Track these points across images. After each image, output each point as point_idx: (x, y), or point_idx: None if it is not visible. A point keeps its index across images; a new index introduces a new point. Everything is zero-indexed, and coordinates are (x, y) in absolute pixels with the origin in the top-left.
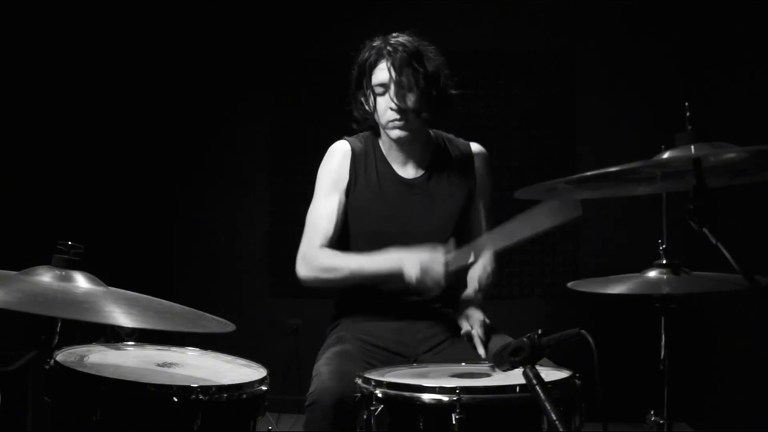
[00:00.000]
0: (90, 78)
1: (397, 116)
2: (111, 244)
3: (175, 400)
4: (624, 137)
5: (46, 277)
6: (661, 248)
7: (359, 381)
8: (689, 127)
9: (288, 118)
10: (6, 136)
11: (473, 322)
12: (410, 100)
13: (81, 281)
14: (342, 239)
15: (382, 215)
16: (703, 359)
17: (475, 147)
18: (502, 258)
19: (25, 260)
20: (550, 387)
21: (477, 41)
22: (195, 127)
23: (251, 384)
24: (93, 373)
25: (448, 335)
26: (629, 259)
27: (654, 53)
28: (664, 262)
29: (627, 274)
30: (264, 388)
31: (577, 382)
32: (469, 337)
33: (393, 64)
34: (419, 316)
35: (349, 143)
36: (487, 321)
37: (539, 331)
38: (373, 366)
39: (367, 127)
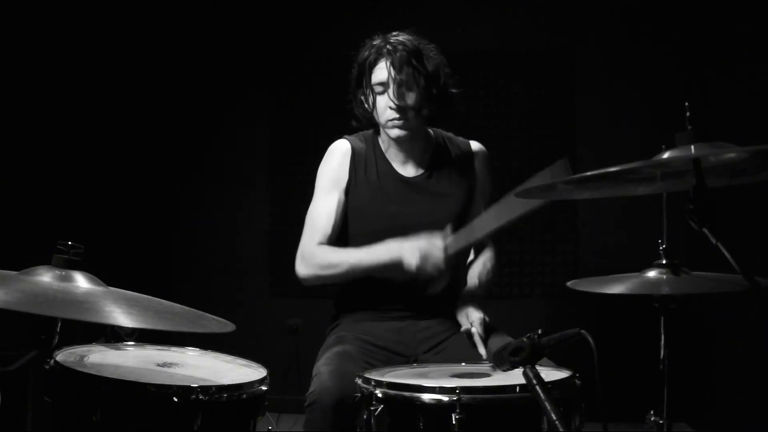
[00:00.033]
0: (90, 78)
1: (397, 115)
2: (111, 244)
3: (175, 400)
4: (624, 137)
5: (46, 277)
6: (660, 248)
7: (359, 381)
8: (689, 127)
9: (288, 118)
10: (6, 136)
11: (473, 320)
12: (410, 99)
13: (81, 281)
14: (342, 238)
15: (383, 214)
16: (703, 359)
17: (475, 145)
18: (501, 256)
19: (25, 260)
20: (550, 387)
21: (477, 41)
22: (195, 127)
23: (251, 384)
24: (93, 373)
25: (449, 335)
26: (629, 259)
27: (654, 53)
28: (664, 262)
29: (627, 274)
30: (264, 388)
31: (577, 382)
32: (468, 334)
33: (393, 63)
34: (419, 315)
35: (350, 142)
36: (487, 319)
37: (539, 331)
38: (373, 366)
39: (367, 125)
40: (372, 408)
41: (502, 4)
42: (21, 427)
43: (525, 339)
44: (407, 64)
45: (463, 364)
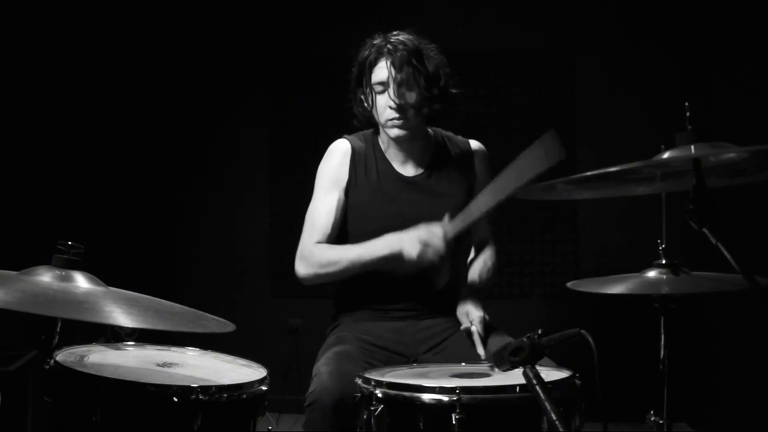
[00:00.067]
0: (90, 78)
1: (396, 115)
2: (111, 244)
3: (175, 400)
4: (624, 137)
5: (46, 277)
6: (660, 248)
7: (359, 381)
8: (689, 127)
9: (288, 118)
10: (6, 136)
11: (473, 319)
12: (410, 98)
13: (81, 281)
14: (342, 238)
15: (383, 214)
16: (703, 359)
17: (475, 144)
18: (501, 256)
19: (25, 260)
20: (550, 387)
21: (477, 41)
22: (195, 127)
23: (251, 384)
24: (93, 373)
25: (449, 335)
26: (629, 259)
27: (654, 53)
28: (664, 262)
29: (627, 274)
30: (264, 388)
31: (577, 382)
32: (468, 333)
33: (393, 63)
34: (419, 316)
35: (349, 142)
36: (487, 318)
37: (539, 331)
38: (373, 366)
39: (367, 125)
40: (372, 408)
41: (502, 4)
42: (21, 427)
43: (525, 339)
44: (407, 63)
45: (463, 364)
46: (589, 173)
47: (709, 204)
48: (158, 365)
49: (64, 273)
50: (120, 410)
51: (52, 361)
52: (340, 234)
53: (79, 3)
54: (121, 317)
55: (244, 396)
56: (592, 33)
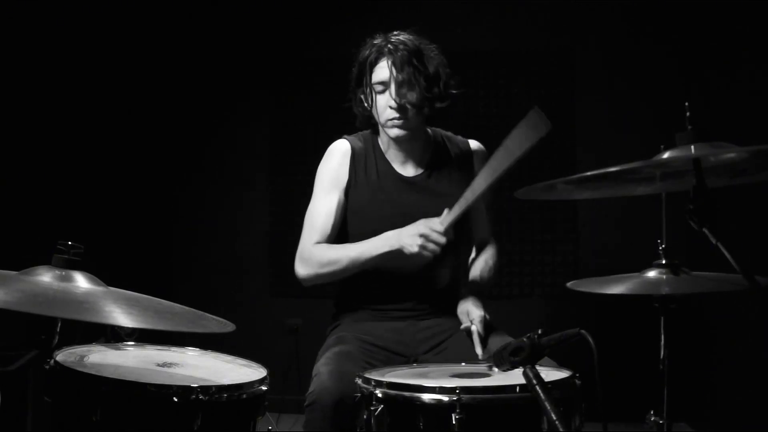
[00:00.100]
0: (90, 78)
1: (397, 114)
2: (111, 244)
3: (175, 400)
4: (624, 137)
5: (46, 277)
6: (660, 248)
7: (359, 381)
8: (689, 127)
9: (288, 118)
10: (6, 136)
11: (473, 318)
12: (410, 98)
13: (81, 281)
14: (342, 239)
15: (383, 214)
16: (703, 359)
17: (474, 144)
18: (502, 256)
19: (25, 260)
20: (550, 387)
21: (477, 41)
22: (195, 127)
23: (251, 384)
24: (93, 373)
25: (449, 335)
26: (629, 259)
27: (654, 53)
28: (664, 262)
29: (627, 274)
30: (264, 388)
31: (577, 382)
32: (468, 332)
33: (394, 63)
34: (419, 316)
35: (349, 142)
36: (488, 317)
37: (539, 331)
38: (373, 366)
39: (367, 125)
40: (372, 408)
41: (502, 4)
42: (21, 427)
43: (525, 339)
44: (408, 63)
45: (463, 364)
46: (589, 173)
47: (709, 204)
48: (158, 365)
49: (64, 273)
50: (120, 410)
51: (52, 361)
52: (340, 234)
53: (79, 3)
54: (121, 317)
55: (244, 396)
56: (592, 33)
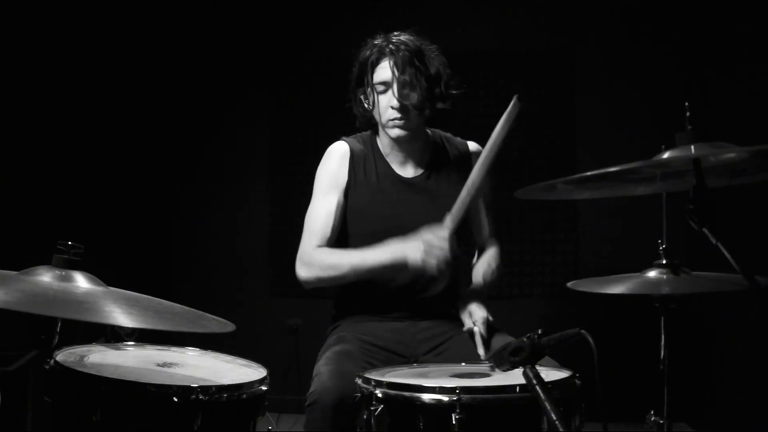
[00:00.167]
0: (90, 78)
1: (398, 115)
2: (111, 244)
3: (175, 400)
4: (624, 137)
5: (46, 277)
6: (661, 248)
7: (359, 381)
8: (689, 127)
9: (288, 118)
10: (6, 136)
11: (476, 319)
12: (412, 99)
13: (81, 281)
14: (342, 240)
15: (382, 215)
16: (703, 359)
17: (473, 146)
18: (503, 255)
19: (25, 260)
20: (550, 387)
21: (477, 41)
22: (195, 127)
23: (251, 384)
24: (93, 373)
25: (449, 336)
26: (629, 259)
27: (654, 53)
28: (664, 262)
29: (627, 274)
30: (264, 388)
31: (577, 382)
32: (471, 334)
33: (396, 63)
34: (420, 316)
35: (348, 144)
36: (491, 318)
37: (539, 331)
38: (373, 366)
39: (366, 125)
40: (372, 408)
41: (502, 4)
42: (21, 427)
43: (525, 339)
44: (410, 64)
45: (463, 364)
46: (589, 173)
47: (709, 204)
48: (158, 365)
49: (64, 273)
50: (120, 410)
51: (52, 361)
52: (340, 235)
53: (79, 3)
54: (121, 317)
55: (244, 396)
56: (592, 33)
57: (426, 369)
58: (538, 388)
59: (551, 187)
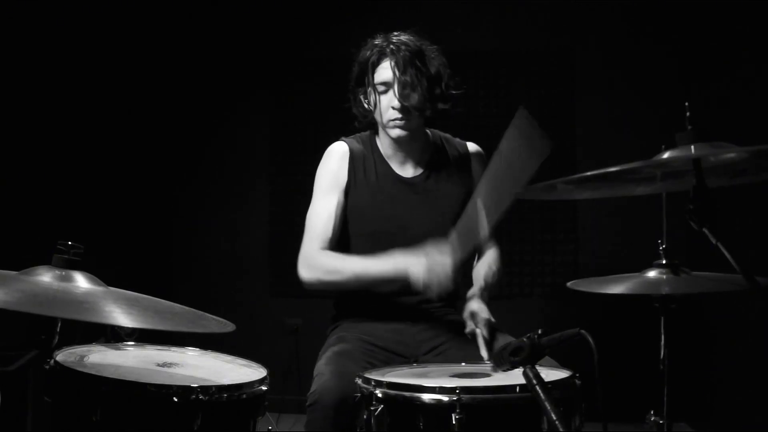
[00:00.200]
0: (90, 78)
1: (399, 115)
2: (111, 244)
3: (175, 400)
4: (624, 137)
5: (46, 277)
6: (660, 248)
7: (359, 381)
8: (689, 127)
9: (288, 118)
10: (6, 136)
11: (478, 321)
12: (413, 99)
13: (81, 281)
14: (342, 239)
15: (382, 215)
16: (703, 359)
17: (472, 147)
18: (503, 256)
19: (25, 260)
20: (550, 387)
21: (477, 41)
22: (195, 127)
23: (251, 384)
24: (93, 373)
25: (449, 336)
26: (629, 259)
27: (654, 53)
28: (664, 262)
29: (627, 274)
30: (264, 388)
31: (577, 382)
32: (473, 335)
33: (397, 63)
34: (420, 317)
35: (347, 144)
36: (493, 320)
37: (539, 331)
38: (373, 366)
39: (366, 125)
40: (372, 408)
41: (502, 4)
42: (21, 427)
43: (525, 339)
44: (411, 64)
45: (463, 364)
46: (589, 173)
47: (709, 204)
48: (158, 365)
49: (64, 273)
50: (120, 410)
51: (52, 361)
52: (341, 235)
53: (79, 3)
54: (121, 317)
55: (244, 396)
56: (592, 33)
57: (426, 369)
58: (538, 388)
59: (551, 187)
